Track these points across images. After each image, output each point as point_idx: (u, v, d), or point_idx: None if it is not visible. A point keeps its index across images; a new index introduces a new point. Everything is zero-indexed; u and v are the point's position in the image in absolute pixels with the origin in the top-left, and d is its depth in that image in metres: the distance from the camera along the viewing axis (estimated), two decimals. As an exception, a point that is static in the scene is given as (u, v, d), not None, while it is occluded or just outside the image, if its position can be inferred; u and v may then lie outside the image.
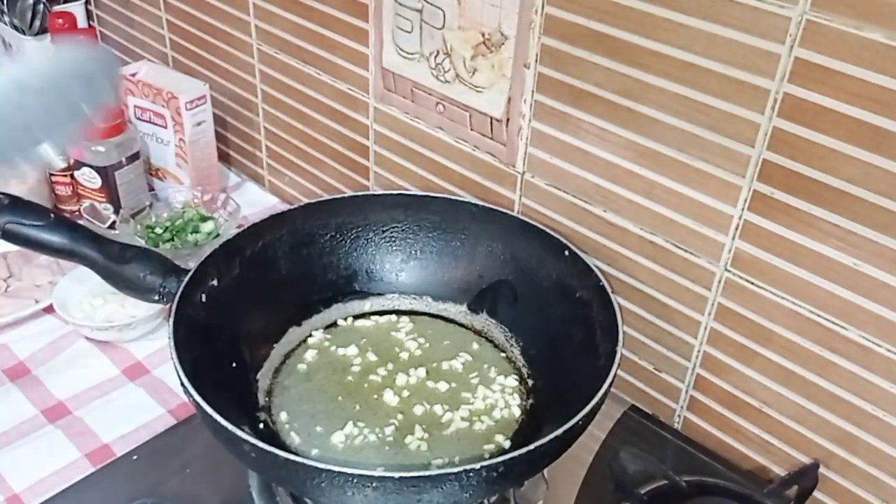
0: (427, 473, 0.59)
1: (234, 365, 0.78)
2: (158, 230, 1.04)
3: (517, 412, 0.78)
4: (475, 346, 0.84)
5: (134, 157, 1.07)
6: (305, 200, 0.92)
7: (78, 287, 0.94)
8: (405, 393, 0.78)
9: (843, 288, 0.67)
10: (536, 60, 0.79)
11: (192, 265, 0.76)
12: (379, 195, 0.92)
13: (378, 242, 0.89)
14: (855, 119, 0.61)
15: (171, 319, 0.70)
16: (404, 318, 0.88)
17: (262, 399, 0.78)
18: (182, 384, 0.64)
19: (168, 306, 0.73)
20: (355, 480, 0.58)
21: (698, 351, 0.80)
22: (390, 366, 0.81)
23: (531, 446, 0.61)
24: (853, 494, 0.74)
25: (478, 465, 0.59)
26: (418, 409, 0.77)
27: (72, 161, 1.06)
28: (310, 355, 0.83)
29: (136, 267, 0.76)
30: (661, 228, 0.77)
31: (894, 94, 0.59)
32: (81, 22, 1.36)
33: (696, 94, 0.69)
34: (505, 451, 0.72)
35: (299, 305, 0.86)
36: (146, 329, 0.92)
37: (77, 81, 0.53)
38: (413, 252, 0.89)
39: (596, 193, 0.81)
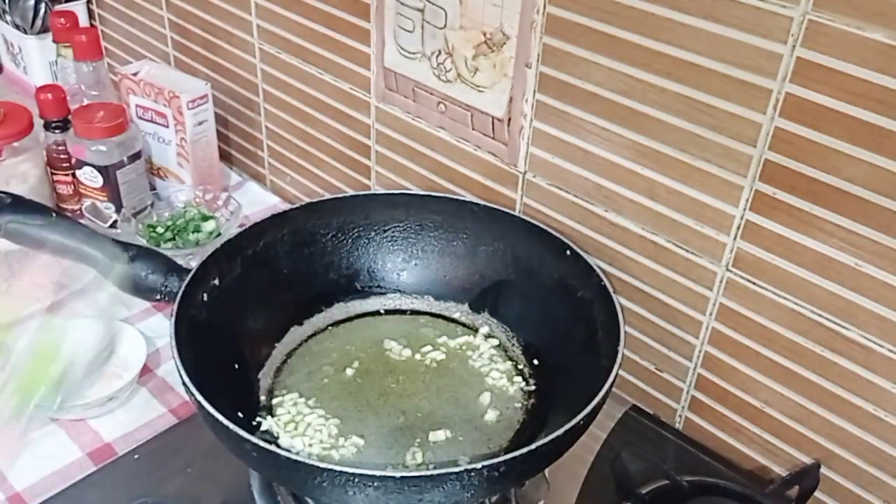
0: (428, 473, 0.59)
1: (235, 364, 0.78)
2: (160, 229, 1.04)
3: (519, 412, 0.78)
4: (476, 345, 0.84)
5: (135, 156, 1.07)
6: (307, 200, 0.92)
7: None
8: (406, 392, 0.78)
9: (844, 288, 0.67)
10: (538, 60, 0.79)
11: (193, 264, 0.76)
12: (380, 195, 0.92)
13: (379, 242, 0.89)
14: (857, 119, 0.61)
15: (173, 319, 0.70)
16: (406, 318, 0.88)
17: (263, 398, 0.78)
18: (183, 383, 0.64)
19: (170, 306, 0.73)
20: (357, 480, 0.58)
21: (700, 351, 0.80)
22: (392, 365, 0.82)
23: (532, 446, 0.61)
24: (854, 495, 0.73)
25: (479, 465, 0.59)
26: (419, 408, 0.77)
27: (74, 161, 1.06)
28: (311, 355, 0.83)
29: (137, 266, 0.76)
30: (662, 228, 0.77)
31: (896, 94, 0.59)
32: (83, 21, 1.36)
33: (697, 93, 0.69)
34: (506, 451, 0.72)
35: (301, 305, 0.86)
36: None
37: None
38: (414, 251, 0.89)
39: (597, 193, 0.81)
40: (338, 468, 0.58)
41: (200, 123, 1.12)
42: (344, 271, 0.89)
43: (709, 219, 0.73)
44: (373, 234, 0.89)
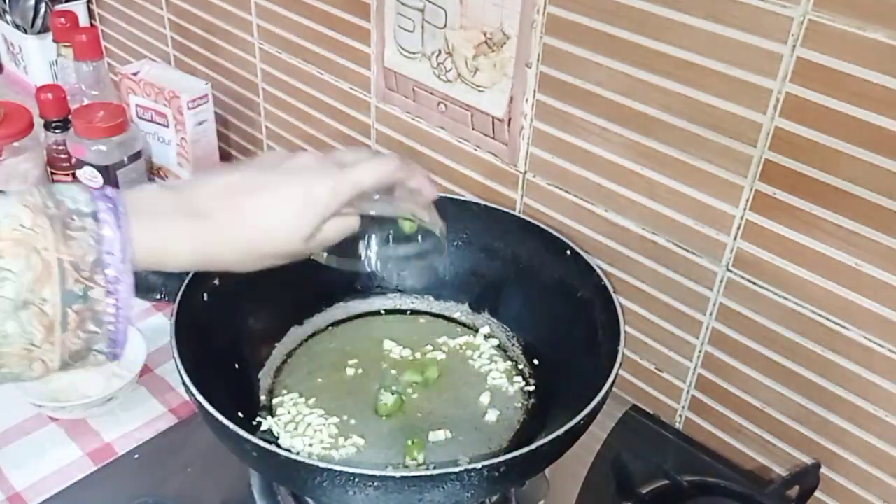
0: (428, 473, 0.59)
1: (235, 364, 0.78)
2: (160, 229, 1.04)
3: (519, 412, 0.78)
4: (477, 345, 0.84)
5: (136, 156, 1.07)
6: (307, 200, 0.92)
7: None
8: (407, 392, 0.78)
9: (844, 288, 0.67)
10: (538, 60, 0.79)
11: (193, 264, 0.76)
12: (380, 194, 0.92)
13: (380, 242, 0.89)
14: (857, 119, 0.61)
15: (173, 318, 0.70)
16: (406, 318, 0.88)
17: (263, 398, 0.78)
18: (184, 383, 0.64)
19: (170, 306, 0.73)
20: (357, 480, 0.58)
21: (700, 351, 0.80)
22: (392, 365, 0.82)
23: (533, 446, 0.61)
24: (854, 495, 0.73)
25: (479, 465, 0.59)
26: (419, 408, 0.77)
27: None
28: (311, 355, 0.83)
29: (137, 266, 0.76)
30: (662, 228, 0.77)
31: (896, 94, 0.59)
32: (83, 21, 1.36)
33: (698, 93, 0.69)
34: (506, 451, 0.72)
35: (301, 305, 0.86)
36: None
37: None
38: (415, 251, 0.89)
39: (598, 193, 0.81)
40: (338, 468, 0.58)
41: (200, 123, 1.12)
42: (344, 271, 0.88)
43: (709, 219, 0.73)
44: (373, 233, 0.89)
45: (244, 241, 0.55)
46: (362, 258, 0.65)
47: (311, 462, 0.59)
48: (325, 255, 0.63)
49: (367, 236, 0.64)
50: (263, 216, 0.55)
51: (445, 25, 0.85)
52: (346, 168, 0.58)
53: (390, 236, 0.65)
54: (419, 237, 0.65)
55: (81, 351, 0.50)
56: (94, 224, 0.49)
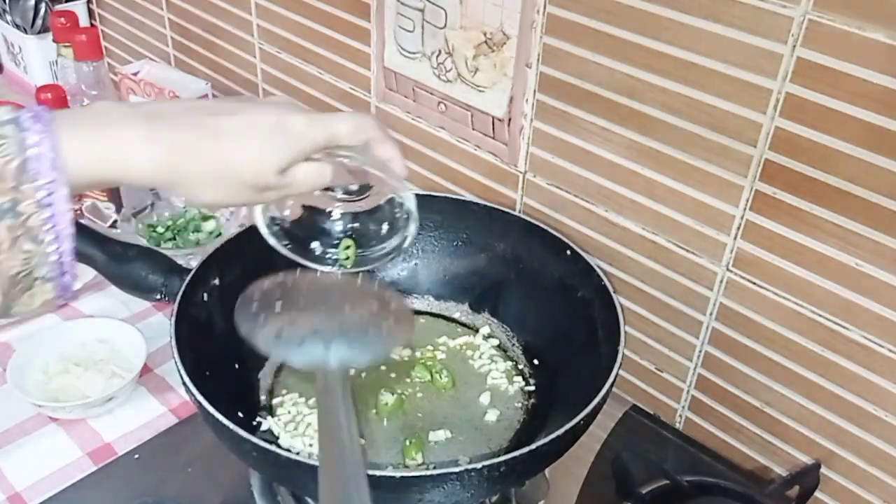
0: (428, 473, 0.59)
1: (235, 364, 0.78)
2: (160, 229, 1.04)
3: (519, 412, 0.78)
4: (477, 345, 0.84)
5: (136, 156, 1.06)
6: (307, 200, 0.92)
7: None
8: (406, 392, 0.78)
9: (844, 288, 0.67)
10: (538, 60, 0.79)
11: (193, 264, 0.76)
12: (380, 194, 0.92)
13: (380, 242, 0.89)
14: (857, 119, 0.61)
15: (173, 319, 0.70)
16: (406, 318, 0.88)
17: (263, 398, 0.78)
18: (184, 383, 0.64)
19: (170, 306, 0.73)
20: (357, 480, 0.58)
21: (700, 351, 0.80)
22: (392, 365, 0.82)
23: (533, 446, 0.61)
24: (855, 495, 0.73)
25: (479, 465, 0.59)
26: (419, 408, 0.77)
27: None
28: (311, 354, 0.83)
29: (137, 266, 0.76)
30: (662, 228, 0.77)
31: (896, 94, 0.59)
32: (83, 21, 1.36)
33: (698, 93, 0.69)
34: (506, 451, 0.72)
35: (301, 305, 0.86)
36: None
37: None
38: (414, 251, 0.89)
39: (598, 193, 0.81)
40: (338, 468, 0.58)
41: (200, 123, 1.11)
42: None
43: (709, 219, 0.73)
44: (373, 233, 0.89)
45: (214, 158, 0.50)
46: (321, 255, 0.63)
47: (311, 462, 0.59)
48: (285, 245, 0.61)
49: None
50: (236, 135, 0.50)
51: (445, 25, 0.85)
52: (323, 114, 0.55)
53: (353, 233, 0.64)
54: (384, 227, 0.64)
55: (22, 276, 0.44)
56: (14, 130, 0.44)
